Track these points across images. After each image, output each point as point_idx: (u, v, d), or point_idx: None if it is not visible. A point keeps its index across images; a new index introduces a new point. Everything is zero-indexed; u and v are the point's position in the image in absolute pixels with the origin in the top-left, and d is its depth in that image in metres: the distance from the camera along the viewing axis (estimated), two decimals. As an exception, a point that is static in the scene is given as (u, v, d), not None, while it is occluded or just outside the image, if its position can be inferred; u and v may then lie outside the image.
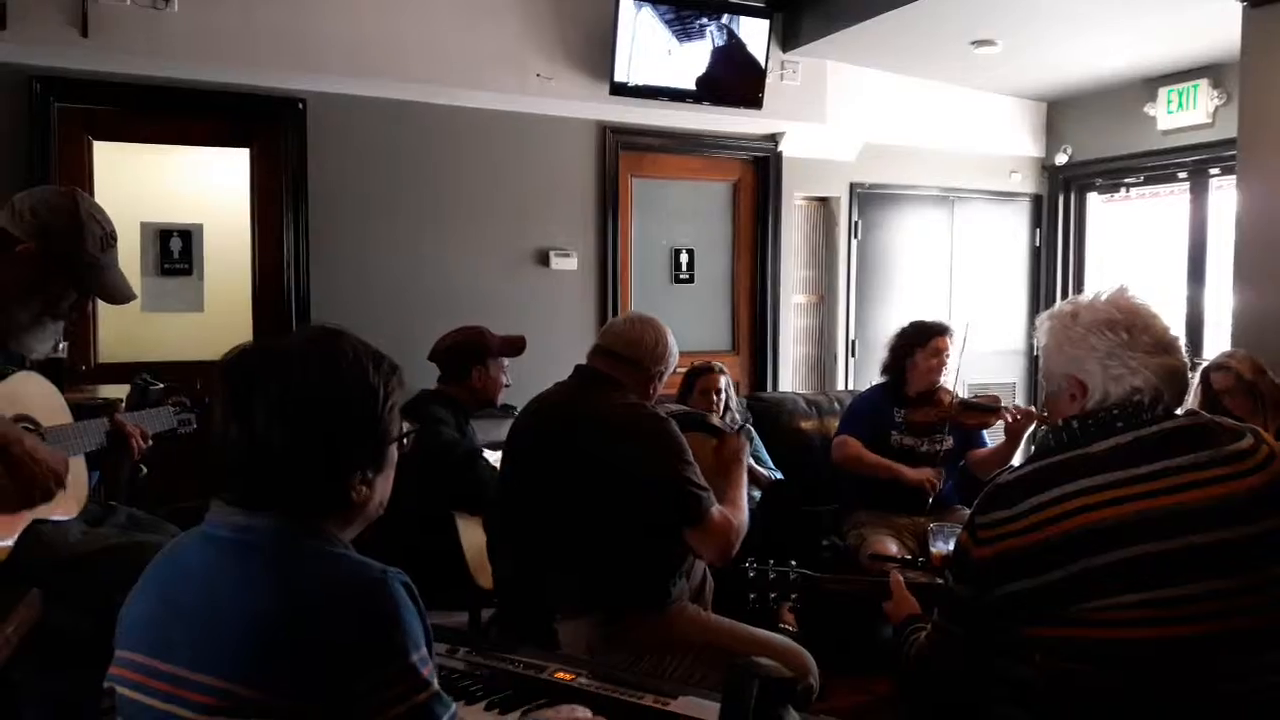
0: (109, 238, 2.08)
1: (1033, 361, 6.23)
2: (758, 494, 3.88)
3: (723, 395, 4.00)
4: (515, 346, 3.47)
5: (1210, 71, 5.23)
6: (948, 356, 3.72)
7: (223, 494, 1.24)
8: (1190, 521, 1.45)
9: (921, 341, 3.72)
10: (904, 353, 3.76)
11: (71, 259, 2.02)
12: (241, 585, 1.17)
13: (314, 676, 1.11)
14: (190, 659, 1.15)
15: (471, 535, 3.05)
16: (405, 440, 1.33)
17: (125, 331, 4.32)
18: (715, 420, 3.25)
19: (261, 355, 1.26)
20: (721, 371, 4.06)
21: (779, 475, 4.05)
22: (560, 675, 1.65)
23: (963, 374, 3.85)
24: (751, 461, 3.70)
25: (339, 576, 1.18)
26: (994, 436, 3.88)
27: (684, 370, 4.03)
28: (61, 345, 2.21)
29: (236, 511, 1.22)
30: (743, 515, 2.37)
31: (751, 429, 4.20)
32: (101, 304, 2.27)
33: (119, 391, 2.78)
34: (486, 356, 3.38)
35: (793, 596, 2.19)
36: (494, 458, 3.03)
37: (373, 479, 1.28)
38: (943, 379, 3.75)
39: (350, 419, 1.23)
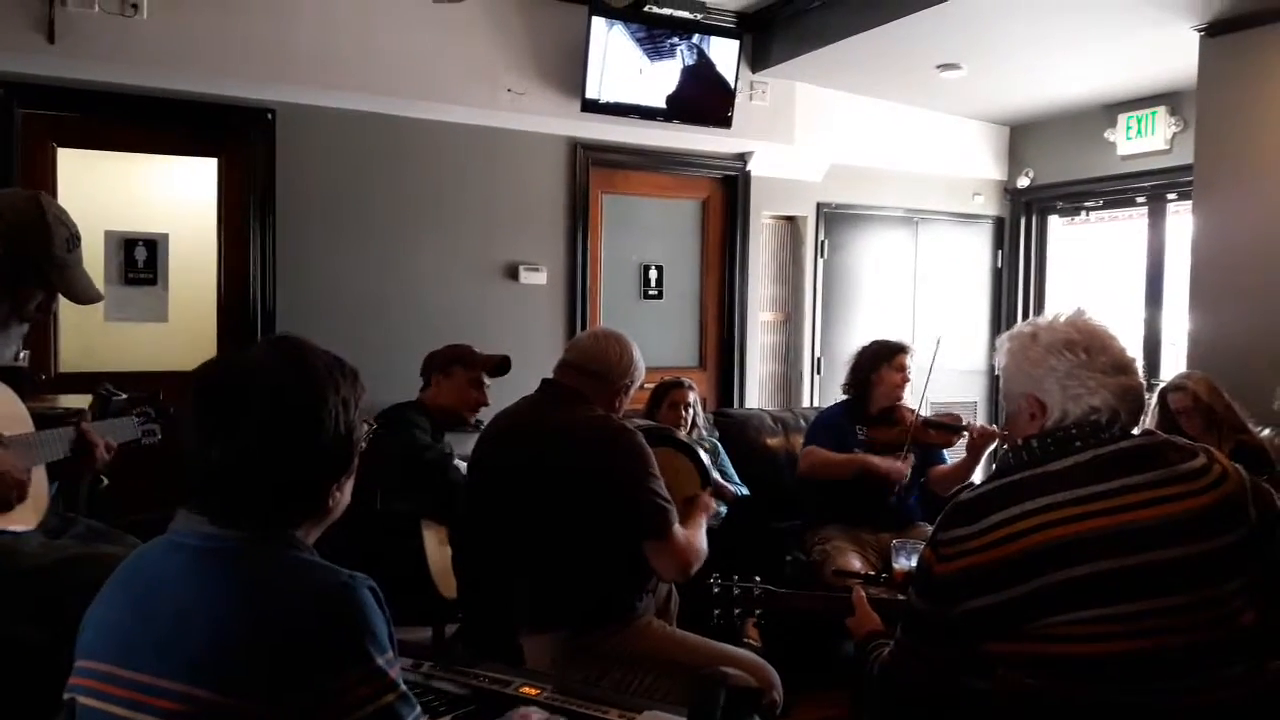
0: (74, 239, 2.08)
1: (994, 381, 6.31)
2: (724, 509, 3.89)
3: (691, 410, 4.02)
4: (492, 364, 3.41)
5: (1169, 99, 5.36)
6: (910, 374, 3.76)
7: (188, 503, 1.24)
8: (1146, 538, 1.48)
9: (887, 358, 3.76)
10: (868, 370, 3.79)
11: (39, 261, 2.01)
12: (210, 592, 1.17)
13: (283, 680, 1.12)
14: (157, 666, 1.15)
15: (437, 544, 3.04)
16: (364, 441, 1.36)
17: (87, 341, 4.25)
18: (682, 436, 3.27)
19: (235, 373, 1.26)
20: (690, 387, 4.08)
21: (745, 491, 4.07)
22: (525, 690, 1.64)
23: (927, 392, 3.89)
24: (717, 476, 3.72)
25: (307, 582, 1.19)
26: (954, 453, 3.93)
27: (652, 385, 4.04)
28: (22, 354, 2.19)
29: (205, 521, 1.22)
30: (702, 541, 2.38)
31: (719, 445, 4.23)
32: (63, 313, 2.25)
33: (80, 401, 2.75)
34: (453, 366, 3.34)
35: (757, 612, 2.20)
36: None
37: (344, 484, 1.31)
38: (906, 396, 3.79)
39: (329, 431, 1.25)
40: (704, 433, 4.19)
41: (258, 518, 1.22)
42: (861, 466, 3.64)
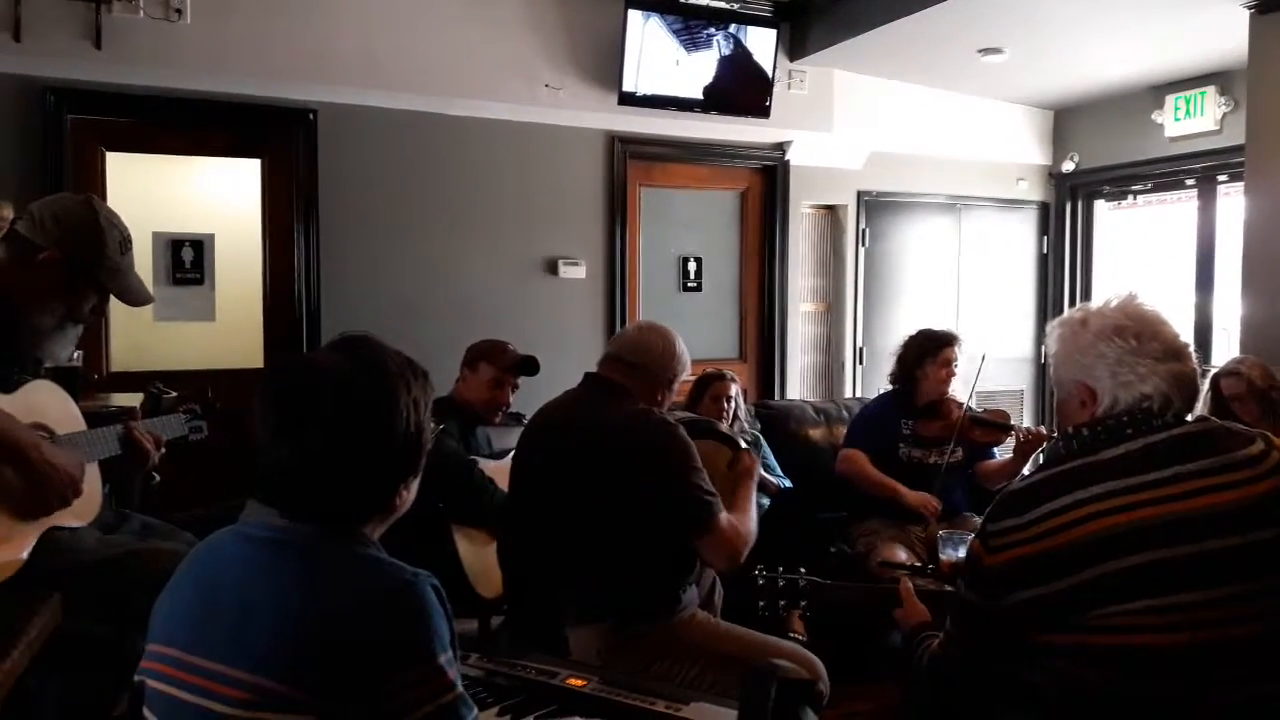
0: (126, 242, 2.11)
1: (1041, 369, 6.22)
2: (766, 501, 3.87)
3: (732, 403, 4.00)
4: (514, 363, 3.32)
5: (1218, 78, 5.23)
6: (956, 367, 3.71)
7: (259, 495, 1.26)
8: (1201, 527, 1.45)
9: (932, 351, 3.69)
10: (914, 363, 3.73)
11: (93, 264, 2.05)
12: (278, 583, 1.19)
13: (346, 674, 1.13)
14: (224, 654, 1.17)
15: (470, 546, 3.04)
16: (431, 440, 1.37)
17: (137, 341, 4.34)
18: (723, 428, 3.25)
19: (308, 371, 1.27)
20: (732, 379, 4.05)
21: (788, 483, 4.04)
22: (572, 681, 1.65)
23: (975, 388, 3.82)
24: (760, 469, 3.70)
25: (372, 578, 1.21)
26: (1002, 449, 3.87)
27: (693, 378, 4.03)
28: (76, 354, 2.23)
29: (275, 514, 1.24)
30: (751, 523, 2.37)
31: (760, 437, 4.21)
32: (113, 314, 2.30)
33: (131, 400, 2.80)
34: (479, 361, 3.31)
35: (802, 604, 2.19)
36: (506, 465, 3.01)
37: (411, 483, 1.32)
38: (951, 389, 3.73)
39: (399, 430, 1.26)
40: (745, 425, 4.17)
41: (327, 513, 1.24)
42: (892, 494, 3.59)
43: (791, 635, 3.24)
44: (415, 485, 1.34)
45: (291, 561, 1.21)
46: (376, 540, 1.29)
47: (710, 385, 4.03)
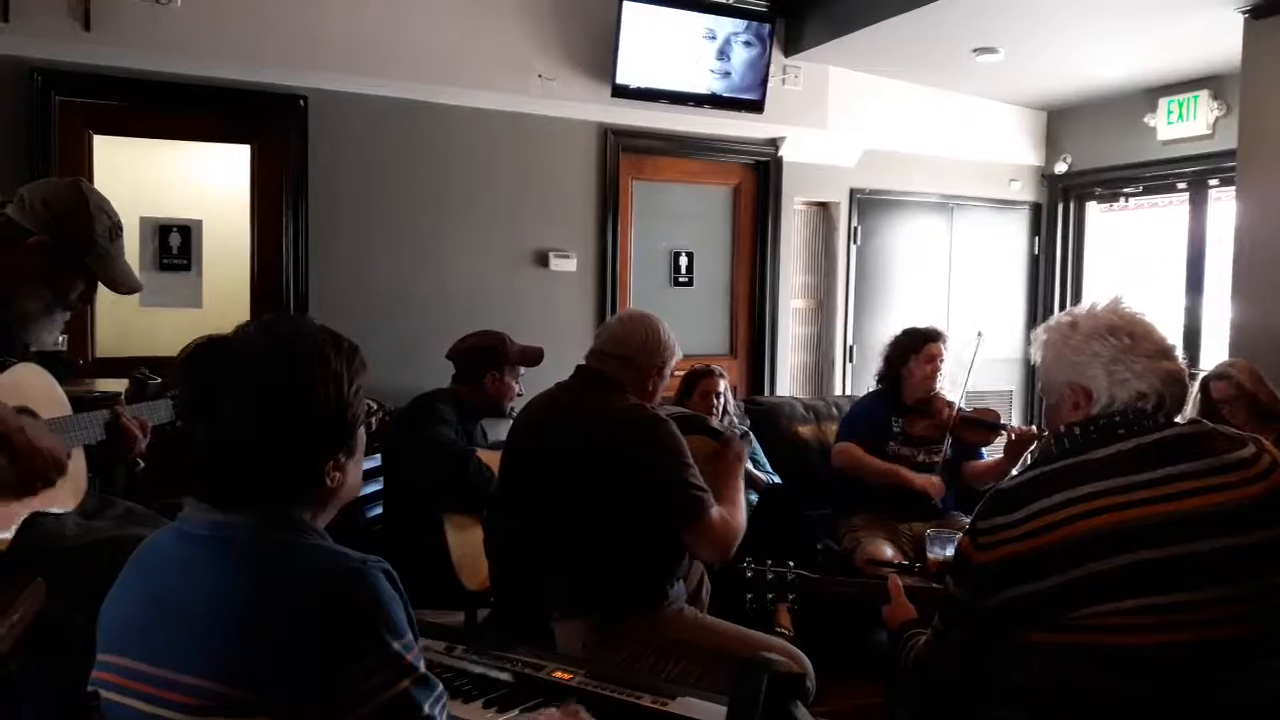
0: (116, 228, 2.10)
1: (1030, 370, 6.23)
2: (755, 498, 3.87)
3: (722, 398, 4.00)
4: (532, 357, 3.45)
5: (1211, 83, 5.25)
6: (941, 362, 3.71)
7: (194, 490, 1.23)
8: (1191, 528, 1.45)
9: (915, 348, 3.71)
10: (899, 360, 3.75)
11: (83, 250, 2.04)
12: (220, 583, 1.16)
13: (298, 670, 1.10)
14: (173, 660, 1.14)
15: (458, 537, 3.04)
16: (373, 421, 1.33)
17: (123, 326, 4.30)
18: (714, 423, 3.25)
19: (220, 349, 1.24)
20: (721, 375, 4.06)
21: (776, 480, 4.05)
22: (558, 674, 1.64)
23: (967, 387, 3.82)
24: (749, 465, 3.70)
25: (317, 568, 1.17)
26: (990, 449, 3.87)
27: (683, 373, 4.03)
28: (61, 339, 2.20)
29: (210, 509, 1.21)
30: (741, 515, 2.37)
31: (750, 433, 4.21)
32: (99, 299, 2.27)
33: (116, 386, 2.77)
34: (503, 364, 3.37)
35: (790, 597, 2.19)
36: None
37: (345, 463, 1.27)
38: (939, 385, 3.74)
39: (316, 405, 1.22)
40: (735, 421, 4.17)
41: (256, 501, 1.20)
42: (896, 479, 3.59)
43: (778, 630, 3.23)
44: (351, 466, 1.29)
45: (231, 558, 1.17)
46: (321, 528, 1.26)
47: (699, 381, 4.03)
